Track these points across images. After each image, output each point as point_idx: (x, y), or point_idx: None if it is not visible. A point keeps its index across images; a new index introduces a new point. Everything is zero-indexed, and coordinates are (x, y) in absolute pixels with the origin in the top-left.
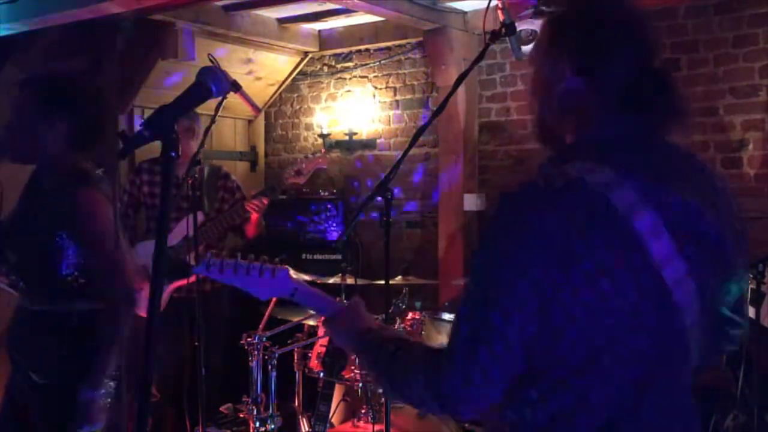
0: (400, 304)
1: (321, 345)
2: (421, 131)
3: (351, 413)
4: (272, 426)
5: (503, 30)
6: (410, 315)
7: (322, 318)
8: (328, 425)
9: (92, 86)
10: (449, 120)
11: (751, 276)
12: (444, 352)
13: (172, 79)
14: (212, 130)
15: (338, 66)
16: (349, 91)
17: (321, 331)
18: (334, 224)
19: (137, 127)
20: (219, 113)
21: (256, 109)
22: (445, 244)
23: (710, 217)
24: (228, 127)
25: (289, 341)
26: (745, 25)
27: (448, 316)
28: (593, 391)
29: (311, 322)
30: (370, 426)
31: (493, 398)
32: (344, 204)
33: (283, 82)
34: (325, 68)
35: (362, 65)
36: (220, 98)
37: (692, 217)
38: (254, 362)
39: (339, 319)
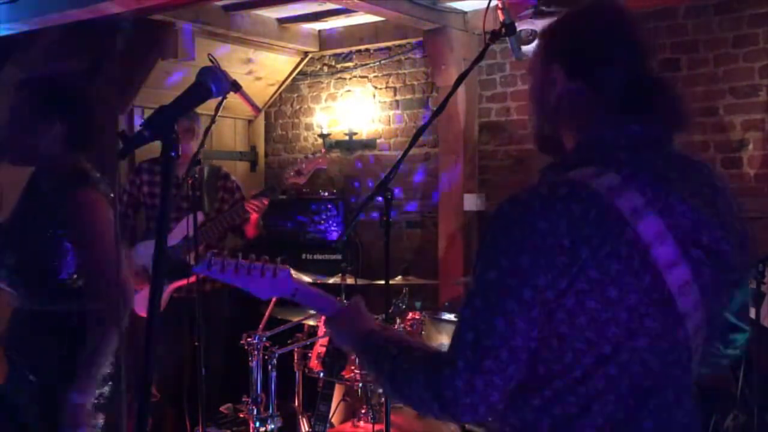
0: (400, 304)
1: (321, 345)
2: (421, 131)
3: (351, 413)
4: (272, 426)
5: (503, 30)
6: (410, 315)
7: (323, 318)
8: (328, 425)
9: (91, 86)
10: (449, 120)
11: (751, 276)
12: (446, 355)
13: (172, 79)
14: (212, 130)
15: (338, 66)
16: (349, 91)
17: (321, 331)
18: (334, 224)
19: (137, 127)
20: (219, 113)
21: (256, 109)
22: (445, 244)
23: (712, 220)
24: (228, 127)
25: (289, 341)
26: (745, 25)
27: (448, 316)
28: (596, 397)
29: (311, 322)
30: (370, 426)
31: (493, 402)
32: (344, 204)
33: (283, 82)
34: (325, 68)
35: (362, 65)
36: (220, 98)
37: (695, 221)
38: (254, 362)
39: (340, 318)
